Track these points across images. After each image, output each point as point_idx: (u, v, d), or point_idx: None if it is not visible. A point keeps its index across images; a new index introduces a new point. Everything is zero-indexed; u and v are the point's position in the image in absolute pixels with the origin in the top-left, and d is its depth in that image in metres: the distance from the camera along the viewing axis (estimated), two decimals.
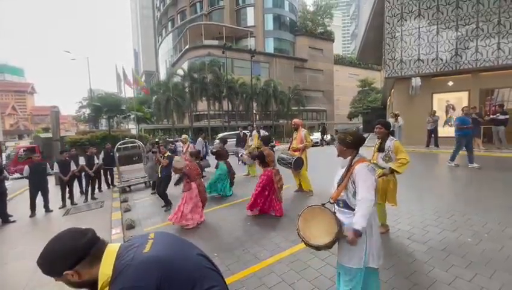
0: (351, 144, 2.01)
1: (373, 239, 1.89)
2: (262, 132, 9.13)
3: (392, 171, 3.30)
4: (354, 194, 1.89)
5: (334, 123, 43.07)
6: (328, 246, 1.80)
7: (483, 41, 9.91)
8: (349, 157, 2.02)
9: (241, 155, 7.40)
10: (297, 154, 5.48)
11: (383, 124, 3.44)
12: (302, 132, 5.77)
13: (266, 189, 4.53)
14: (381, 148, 3.42)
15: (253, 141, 8.54)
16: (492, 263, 2.67)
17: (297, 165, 5.23)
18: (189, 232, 4.21)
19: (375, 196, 1.82)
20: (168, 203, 5.62)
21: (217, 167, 6.41)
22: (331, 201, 2.02)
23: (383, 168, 3.37)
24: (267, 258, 3.15)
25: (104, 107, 18.76)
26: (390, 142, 3.35)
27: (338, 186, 1.99)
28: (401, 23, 11.46)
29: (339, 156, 2.11)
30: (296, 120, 6.03)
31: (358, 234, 1.78)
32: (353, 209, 1.88)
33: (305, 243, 1.87)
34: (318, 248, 1.81)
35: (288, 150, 5.81)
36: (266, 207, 4.59)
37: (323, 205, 1.94)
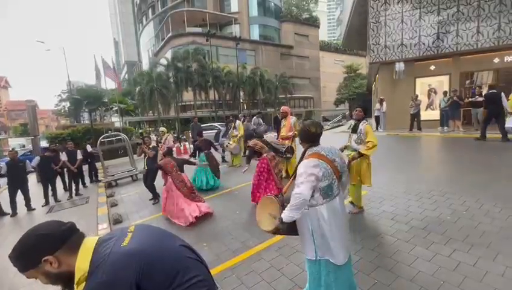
0: (303, 137, 1.96)
1: (324, 236, 1.83)
2: (255, 120, 9.03)
3: (362, 155, 3.49)
4: None
5: (321, 110, 43.39)
6: (274, 233, 1.95)
7: (463, 24, 10.07)
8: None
9: (227, 146, 7.36)
10: (287, 142, 5.33)
11: (363, 108, 3.69)
12: (291, 119, 5.58)
13: (262, 177, 4.34)
14: (354, 129, 3.63)
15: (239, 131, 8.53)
16: (469, 238, 2.80)
17: (288, 153, 5.20)
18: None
19: (307, 192, 1.74)
20: (155, 196, 5.54)
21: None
22: (283, 194, 2.04)
23: (355, 150, 3.56)
24: (256, 245, 3.19)
25: (85, 100, 17.98)
26: (362, 126, 3.54)
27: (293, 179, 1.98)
28: (385, 7, 11.45)
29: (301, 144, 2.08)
30: (284, 107, 5.88)
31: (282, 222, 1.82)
32: None
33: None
34: (268, 232, 1.95)
35: (277, 139, 5.75)
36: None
37: (276, 196, 2.00)
